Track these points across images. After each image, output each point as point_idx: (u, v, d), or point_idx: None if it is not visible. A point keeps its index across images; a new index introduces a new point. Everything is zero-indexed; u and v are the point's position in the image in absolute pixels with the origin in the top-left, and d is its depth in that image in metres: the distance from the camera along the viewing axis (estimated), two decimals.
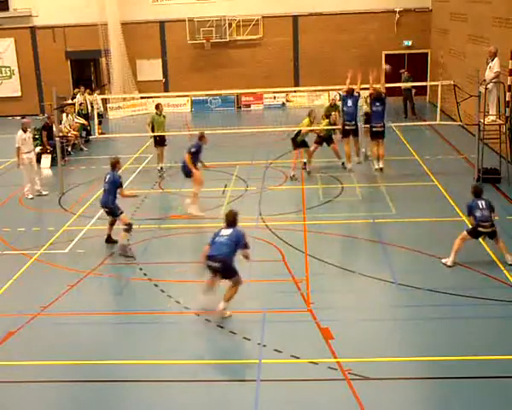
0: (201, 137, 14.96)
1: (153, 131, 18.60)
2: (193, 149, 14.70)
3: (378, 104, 16.51)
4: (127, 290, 11.29)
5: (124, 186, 17.13)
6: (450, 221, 13.69)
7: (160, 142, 18.74)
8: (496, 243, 11.71)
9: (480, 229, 11.53)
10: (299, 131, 17.34)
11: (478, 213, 11.50)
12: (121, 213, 12.84)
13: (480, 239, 12.51)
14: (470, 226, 11.67)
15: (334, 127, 17.57)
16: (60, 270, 12.18)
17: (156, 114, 18.75)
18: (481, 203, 11.67)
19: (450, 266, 11.43)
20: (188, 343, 9.41)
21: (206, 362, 8.90)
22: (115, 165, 13.03)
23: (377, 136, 16.52)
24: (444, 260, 11.56)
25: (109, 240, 13.17)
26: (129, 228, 12.77)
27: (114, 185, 12.79)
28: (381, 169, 16.44)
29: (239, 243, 9.99)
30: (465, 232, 11.63)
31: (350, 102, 16.64)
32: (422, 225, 13.59)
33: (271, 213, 14.51)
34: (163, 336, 9.73)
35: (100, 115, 23.39)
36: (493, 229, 11.54)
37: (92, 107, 23.31)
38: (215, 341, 9.48)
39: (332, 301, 10.47)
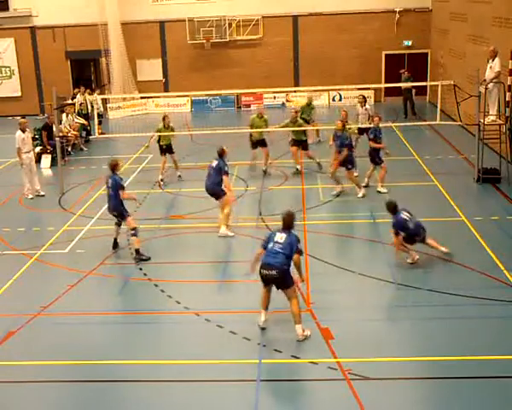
0: (222, 152, 13.61)
1: (159, 142, 17.70)
2: (226, 168, 13.40)
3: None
4: (127, 290, 11.29)
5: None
6: (450, 221, 13.70)
7: (167, 149, 17.74)
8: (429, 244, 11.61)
9: (417, 238, 11.54)
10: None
11: (411, 225, 11.36)
12: (128, 215, 12.69)
13: (479, 239, 12.54)
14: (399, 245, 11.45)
15: (309, 127, 17.60)
16: (60, 270, 12.18)
17: (164, 127, 17.56)
18: (406, 215, 11.49)
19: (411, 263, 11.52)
20: (188, 343, 9.41)
21: (206, 362, 8.90)
22: (115, 167, 12.81)
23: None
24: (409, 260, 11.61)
25: (116, 245, 12.95)
26: (135, 232, 12.50)
27: (118, 188, 12.57)
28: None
29: (293, 248, 9.21)
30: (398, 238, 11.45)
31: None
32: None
33: (271, 213, 14.51)
34: (163, 336, 9.74)
35: (100, 115, 23.40)
36: (424, 234, 11.51)
37: (92, 107, 23.32)
38: (215, 341, 9.48)
39: (332, 301, 10.47)
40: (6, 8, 29.80)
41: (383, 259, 11.95)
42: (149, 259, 12.31)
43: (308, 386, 8.19)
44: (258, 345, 9.11)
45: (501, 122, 16.59)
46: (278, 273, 9.05)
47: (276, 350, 8.94)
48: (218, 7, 29.24)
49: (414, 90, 25.26)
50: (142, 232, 13.76)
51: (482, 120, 16.48)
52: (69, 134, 21.52)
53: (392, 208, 11.71)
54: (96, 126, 21.15)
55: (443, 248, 11.64)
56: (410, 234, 11.47)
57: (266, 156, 18.11)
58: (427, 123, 21.93)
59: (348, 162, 15.43)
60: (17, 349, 9.38)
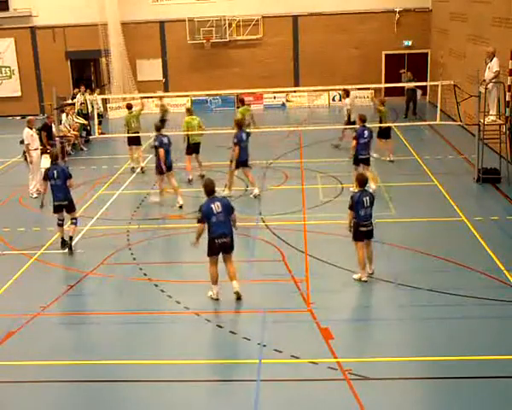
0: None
1: (188, 138, 17.43)
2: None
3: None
4: (127, 290, 11.28)
5: (124, 186, 17.27)
6: (450, 221, 13.70)
7: (194, 149, 17.54)
8: (367, 246, 11.08)
9: (362, 228, 10.98)
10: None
11: (362, 213, 10.92)
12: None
13: (479, 238, 12.54)
14: (352, 226, 11.03)
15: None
16: (60, 270, 12.19)
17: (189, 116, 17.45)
18: (366, 200, 10.98)
19: (365, 281, 10.95)
20: (188, 343, 9.41)
21: (206, 362, 8.90)
22: (57, 157, 13.13)
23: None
24: (355, 276, 11.07)
25: (64, 243, 12.97)
26: (76, 221, 13.07)
27: (66, 177, 12.87)
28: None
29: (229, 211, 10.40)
30: (355, 243, 11.06)
31: (366, 134, 15.47)
32: (422, 225, 13.59)
33: (271, 213, 14.51)
34: (163, 336, 9.73)
35: (100, 115, 23.38)
36: (372, 228, 11.08)
37: (92, 107, 23.31)
38: (215, 341, 9.48)
39: (332, 301, 10.47)
40: (6, 8, 29.80)
41: (383, 259, 11.94)
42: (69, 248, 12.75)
43: (308, 386, 8.19)
44: (258, 345, 9.11)
45: (501, 122, 16.59)
46: (230, 239, 10.35)
47: (276, 350, 8.94)
48: (218, 7, 29.24)
49: (420, 92, 25.25)
50: (143, 232, 13.79)
51: (482, 120, 16.48)
52: (69, 134, 21.52)
53: (359, 180, 11.29)
54: (96, 126, 21.14)
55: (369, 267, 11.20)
56: (357, 219, 10.97)
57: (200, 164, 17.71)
58: (427, 123, 21.93)
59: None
60: (17, 349, 9.37)
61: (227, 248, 10.40)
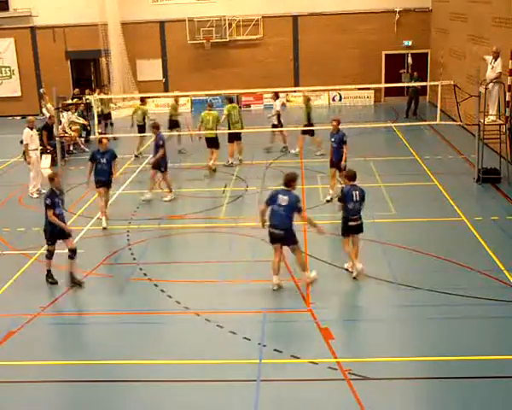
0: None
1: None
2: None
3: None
4: (127, 290, 11.29)
5: (124, 186, 17.27)
6: (450, 221, 13.70)
7: (211, 142, 18.46)
8: (354, 243, 11.20)
9: (351, 223, 11.15)
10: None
11: (350, 206, 11.07)
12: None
13: (479, 238, 12.54)
14: (342, 219, 11.30)
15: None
16: (60, 270, 12.18)
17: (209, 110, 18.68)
18: (355, 194, 11.09)
19: (356, 278, 11.02)
20: (188, 343, 9.41)
21: (206, 362, 8.90)
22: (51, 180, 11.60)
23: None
24: (346, 265, 11.39)
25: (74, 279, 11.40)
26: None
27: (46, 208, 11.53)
28: None
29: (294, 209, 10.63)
30: (342, 238, 11.34)
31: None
32: (422, 225, 13.59)
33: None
34: (163, 336, 9.74)
35: (107, 116, 23.25)
36: (360, 222, 11.23)
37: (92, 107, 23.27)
38: (215, 341, 9.48)
39: (332, 301, 10.47)
40: (6, 8, 29.78)
41: (383, 259, 11.94)
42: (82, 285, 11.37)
43: (308, 386, 8.19)
44: (258, 345, 9.11)
45: (501, 122, 16.59)
46: (285, 233, 10.52)
47: (276, 350, 8.94)
48: (218, 7, 29.24)
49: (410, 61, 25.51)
50: (143, 232, 13.78)
51: (482, 120, 16.49)
52: (69, 133, 21.51)
53: (348, 176, 11.53)
54: (96, 126, 21.11)
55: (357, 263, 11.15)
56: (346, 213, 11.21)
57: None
58: (427, 123, 21.92)
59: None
60: (17, 349, 9.37)
61: (283, 240, 10.74)
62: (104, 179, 14.34)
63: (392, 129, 22.21)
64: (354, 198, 11.04)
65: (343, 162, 14.87)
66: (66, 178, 17.60)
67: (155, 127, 15.98)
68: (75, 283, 11.27)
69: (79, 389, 8.40)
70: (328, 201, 15.17)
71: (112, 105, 23.65)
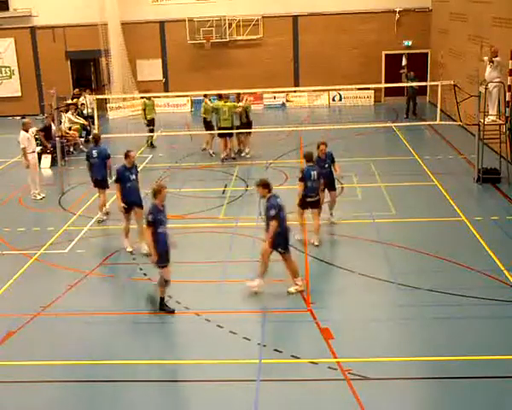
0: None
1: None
2: None
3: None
4: (127, 290, 11.29)
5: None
6: (449, 221, 13.70)
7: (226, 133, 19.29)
8: (315, 216, 12.50)
9: (308, 199, 12.35)
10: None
11: (308, 184, 12.22)
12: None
13: (479, 239, 12.55)
14: (300, 193, 12.34)
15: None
16: (60, 270, 12.18)
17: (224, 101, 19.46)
18: (313, 174, 12.28)
19: (317, 245, 12.37)
20: (188, 343, 9.41)
21: (206, 362, 8.90)
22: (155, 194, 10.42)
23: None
24: (297, 237, 12.45)
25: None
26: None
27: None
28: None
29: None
30: (299, 209, 12.51)
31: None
32: (422, 225, 13.59)
33: None
34: (163, 337, 9.74)
35: (151, 122, 22.87)
36: (318, 198, 12.49)
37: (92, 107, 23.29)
38: (215, 341, 9.48)
39: (332, 301, 10.48)
40: (6, 8, 29.77)
41: (383, 259, 11.95)
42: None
43: (308, 386, 8.19)
44: (258, 345, 9.12)
45: (501, 122, 16.60)
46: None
47: (276, 350, 8.94)
48: (218, 7, 29.23)
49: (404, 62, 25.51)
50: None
51: (482, 120, 16.49)
52: (69, 133, 21.51)
53: (305, 157, 12.57)
54: (96, 126, 21.12)
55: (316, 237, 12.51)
56: (305, 191, 12.30)
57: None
58: (427, 123, 21.93)
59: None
60: (17, 349, 9.38)
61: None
62: (138, 202, 12.54)
63: (392, 129, 22.20)
64: (312, 177, 12.25)
65: (339, 173, 13.72)
66: (66, 179, 17.58)
67: (97, 139, 14.82)
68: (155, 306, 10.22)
69: (79, 389, 8.40)
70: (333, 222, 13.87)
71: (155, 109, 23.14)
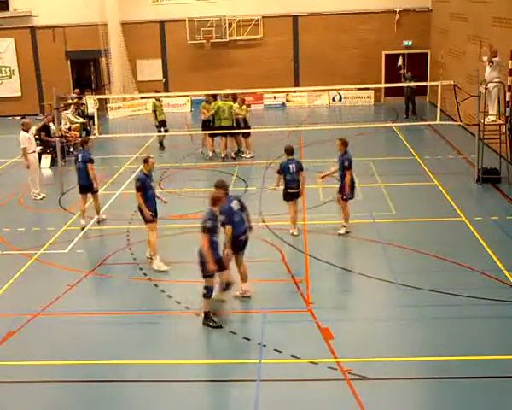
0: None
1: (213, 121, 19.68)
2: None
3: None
4: (127, 290, 11.28)
5: (123, 186, 17.27)
6: (449, 221, 13.70)
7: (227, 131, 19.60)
8: (292, 206, 13.03)
9: (289, 191, 12.92)
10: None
11: (288, 177, 12.82)
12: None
13: (479, 238, 12.56)
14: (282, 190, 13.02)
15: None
16: (60, 270, 12.18)
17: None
18: (292, 167, 12.79)
19: (296, 235, 12.93)
20: (188, 343, 9.41)
21: (207, 362, 8.90)
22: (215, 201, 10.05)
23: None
24: (292, 231, 13.06)
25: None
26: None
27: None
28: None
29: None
30: (286, 202, 13.10)
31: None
32: (422, 225, 13.59)
33: (271, 213, 14.50)
34: (163, 336, 9.73)
35: (162, 123, 22.73)
36: (298, 190, 13.01)
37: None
38: (215, 341, 9.48)
39: (332, 301, 10.47)
40: (6, 8, 29.78)
41: (383, 259, 11.95)
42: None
43: (308, 386, 8.19)
44: (258, 345, 9.11)
45: (501, 122, 16.59)
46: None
47: (276, 350, 8.94)
48: (218, 7, 29.23)
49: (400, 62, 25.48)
50: (143, 232, 13.75)
51: (482, 120, 16.49)
52: (69, 133, 21.52)
53: (286, 150, 13.06)
54: (96, 126, 21.12)
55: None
56: (285, 183, 12.90)
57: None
58: (427, 123, 21.94)
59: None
60: (17, 349, 9.37)
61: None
62: (154, 210, 12.04)
63: (392, 129, 22.20)
64: (291, 170, 12.77)
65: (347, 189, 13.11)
66: (66, 179, 17.57)
67: (84, 142, 14.80)
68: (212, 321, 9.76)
69: (79, 389, 8.39)
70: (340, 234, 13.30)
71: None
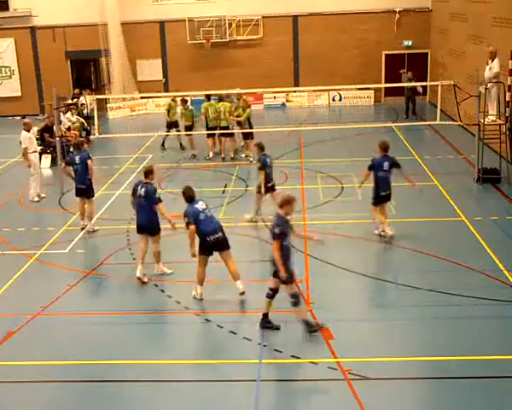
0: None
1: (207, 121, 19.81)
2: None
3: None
4: (127, 290, 11.28)
5: (123, 186, 17.27)
6: (450, 221, 13.70)
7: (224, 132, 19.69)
8: (382, 209, 12.64)
9: (382, 193, 12.42)
10: None
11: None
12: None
13: (479, 238, 12.55)
14: (374, 198, 12.54)
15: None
16: (60, 270, 12.18)
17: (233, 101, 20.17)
18: (386, 165, 12.28)
19: (390, 237, 12.45)
20: (188, 343, 9.41)
21: (207, 362, 8.90)
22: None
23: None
24: (377, 232, 12.73)
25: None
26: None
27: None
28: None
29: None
30: (372, 207, 12.61)
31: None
32: (422, 225, 13.59)
33: (271, 213, 14.46)
34: (163, 336, 9.74)
35: (173, 124, 22.49)
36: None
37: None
38: (215, 341, 9.48)
39: (332, 301, 10.46)
40: (6, 8, 29.79)
41: (383, 259, 11.95)
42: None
43: (308, 386, 8.19)
44: (258, 345, 9.11)
45: (501, 122, 16.59)
46: (223, 234, 10.27)
47: (276, 350, 8.94)
48: (218, 7, 29.23)
49: (421, 90, 25.11)
50: None
51: (482, 120, 16.48)
52: (69, 132, 21.52)
53: (381, 146, 12.50)
54: (96, 126, 21.12)
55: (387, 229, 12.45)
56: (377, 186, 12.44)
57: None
58: (427, 123, 21.94)
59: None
60: (17, 349, 9.38)
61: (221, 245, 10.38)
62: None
63: (392, 129, 22.19)
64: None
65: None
66: (66, 179, 17.55)
67: (79, 145, 14.69)
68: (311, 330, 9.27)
69: (79, 389, 8.39)
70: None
71: (177, 110, 22.72)
